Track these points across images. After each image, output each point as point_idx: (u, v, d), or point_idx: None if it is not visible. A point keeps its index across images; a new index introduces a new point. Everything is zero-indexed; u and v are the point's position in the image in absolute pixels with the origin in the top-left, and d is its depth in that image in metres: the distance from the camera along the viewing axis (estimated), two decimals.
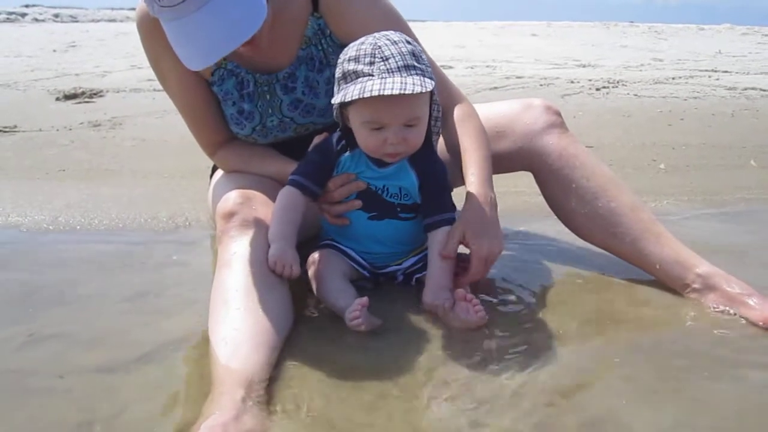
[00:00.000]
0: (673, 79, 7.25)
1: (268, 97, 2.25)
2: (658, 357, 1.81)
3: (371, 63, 1.83)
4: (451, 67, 8.20)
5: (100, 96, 6.07)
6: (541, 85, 6.72)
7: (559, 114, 2.35)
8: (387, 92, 1.77)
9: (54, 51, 10.59)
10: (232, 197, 2.06)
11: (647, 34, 15.49)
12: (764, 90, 6.52)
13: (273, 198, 2.10)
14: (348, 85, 1.87)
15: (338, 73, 1.92)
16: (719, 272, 2.09)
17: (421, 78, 1.84)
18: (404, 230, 2.10)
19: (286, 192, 2.01)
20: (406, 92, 1.78)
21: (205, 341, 1.78)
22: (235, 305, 1.80)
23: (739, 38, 14.66)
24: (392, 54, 1.83)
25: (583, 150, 2.32)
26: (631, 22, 18.94)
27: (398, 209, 2.06)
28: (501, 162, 2.37)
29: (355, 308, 1.84)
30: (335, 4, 2.19)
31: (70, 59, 9.37)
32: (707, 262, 2.13)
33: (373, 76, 1.82)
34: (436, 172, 2.05)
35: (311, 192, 2.03)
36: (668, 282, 2.17)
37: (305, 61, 2.23)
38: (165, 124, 4.96)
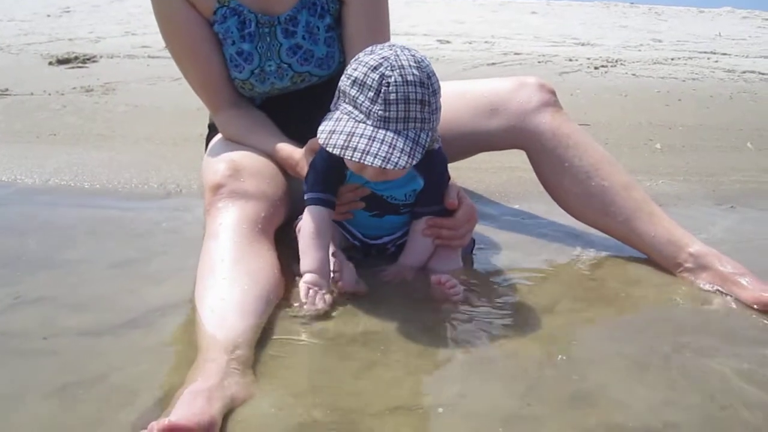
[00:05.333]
0: (672, 60, 7.21)
1: (268, 39, 2.24)
2: (649, 334, 1.81)
3: (373, 101, 1.73)
4: (449, 42, 8.14)
5: (94, 61, 6.00)
6: (539, 62, 6.67)
7: (553, 92, 2.33)
8: (368, 161, 1.70)
9: (48, 16, 10.46)
10: (221, 169, 2.05)
11: (647, 14, 15.39)
12: (763, 74, 6.48)
13: (263, 170, 2.12)
14: (342, 108, 1.80)
15: (342, 83, 1.82)
16: (712, 251, 2.09)
17: (413, 144, 1.75)
18: (403, 219, 2.08)
19: (315, 214, 1.92)
20: (387, 167, 1.71)
21: (192, 308, 1.77)
22: (221, 275, 1.79)
23: (740, 21, 14.58)
24: (397, 99, 1.72)
25: (577, 129, 2.30)
26: (632, 3, 18.81)
27: (401, 208, 2.04)
28: (493, 140, 2.36)
29: (335, 268, 1.87)
30: None
31: (64, 24, 9.26)
32: (700, 242, 2.13)
33: (367, 121, 1.74)
34: (441, 173, 2.01)
35: (333, 204, 1.97)
36: (661, 261, 2.17)
37: (308, 6, 2.23)
38: (158, 90, 4.91)
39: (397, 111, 1.73)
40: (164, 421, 1.27)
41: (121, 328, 1.74)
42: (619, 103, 4.96)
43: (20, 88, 4.80)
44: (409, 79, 1.73)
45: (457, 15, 12.77)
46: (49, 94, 4.67)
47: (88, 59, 6.03)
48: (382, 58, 1.74)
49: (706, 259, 2.07)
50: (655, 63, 6.90)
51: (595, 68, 6.36)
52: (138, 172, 3.08)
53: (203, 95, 2.36)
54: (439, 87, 1.82)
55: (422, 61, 1.78)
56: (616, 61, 6.83)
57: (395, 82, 1.72)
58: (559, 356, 1.65)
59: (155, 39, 6.41)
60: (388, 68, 1.72)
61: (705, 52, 8.01)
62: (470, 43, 8.20)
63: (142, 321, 1.78)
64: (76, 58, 6.02)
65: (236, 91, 2.33)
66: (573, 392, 1.52)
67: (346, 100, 1.80)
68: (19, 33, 7.94)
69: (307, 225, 1.93)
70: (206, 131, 2.59)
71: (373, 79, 1.73)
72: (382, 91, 1.72)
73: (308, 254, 1.90)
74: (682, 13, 16.67)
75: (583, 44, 8.60)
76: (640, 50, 8.12)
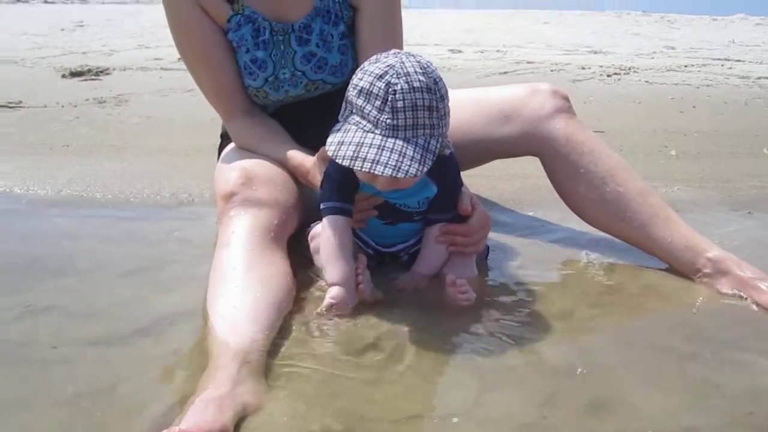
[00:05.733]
0: (686, 67, 7.16)
1: (282, 47, 2.24)
2: (668, 340, 1.78)
3: (380, 110, 1.71)
4: (460, 51, 8.13)
5: (107, 74, 6.02)
6: (551, 70, 6.64)
7: (566, 98, 2.31)
8: (378, 171, 1.67)
9: (62, 30, 10.52)
10: (233, 178, 2.05)
11: (659, 23, 15.32)
12: None
13: (275, 178, 2.11)
14: (350, 119, 1.78)
15: (348, 93, 1.80)
16: (730, 256, 2.06)
17: (423, 151, 1.72)
18: (416, 226, 2.06)
19: (335, 223, 1.90)
20: (398, 176, 1.68)
21: (203, 316, 1.77)
22: (233, 283, 1.78)
23: (753, 28, 14.47)
24: (405, 106, 1.70)
25: (591, 135, 2.28)
26: (644, 11, 18.76)
27: (414, 215, 2.02)
28: (507, 147, 2.34)
29: (357, 272, 1.85)
30: None
31: (78, 38, 9.31)
32: (718, 247, 2.10)
33: (375, 131, 1.72)
34: (454, 179, 1.99)
35: (351, 212, 1.94)
36: (679, 267, 2.14)
37: (322, 14, 2.23)
38: (171, 102, 4.92)
39: (405, 118, 1.71)
40: (175, 429, 1.26)
41: (131, 337, 1.73)
42: (633, 110, 4.92)
43: (33, 101, 4.82)
44: (415, 85, 1.71)
45: (467, 25, 12.77)
46: (62, 106, 4.68)
47: (101, 72, 6.05)
48: (388, 66, 1.72)
49: (725, 264, 2.04)
50: (668, 70, 6.86)
51: (608, 76, 6.33)
52: (150, 182, 3.07)
53: (216, 103, 2.36)
54: (446, 92, 1.79)
55: (428, 66, 1.76)
56: (629, 69, 6.79)
57: (402, 89, 1.70)
58: (579, 368, 1.62)
59: (168, 52, 6.44)
60: (394, 76, 1.70)
61: (719, 59, 7.96)
62: (482, 52, 8.19)
63: (152, 329, 1.77)
64: (89, 70, 6.03)
65: (249, 99, 2.33)
66: (590, 399, 1.49)
67: (354, 110, 1.78)
68: (33, 47, 7.99)
69: (327, 235, 1.90)
70: (219, 141, 2.58)
71: (380, 88, 1.71)
72: (389, 99, 1.70)
73: (333, 265, 1.87)
74: (694, 21, 16.60)
75: (595, 52, 8.57)
76: (653, 58, 8.08)
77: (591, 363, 1.64)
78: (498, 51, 8.32)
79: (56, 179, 3.07)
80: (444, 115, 1.79)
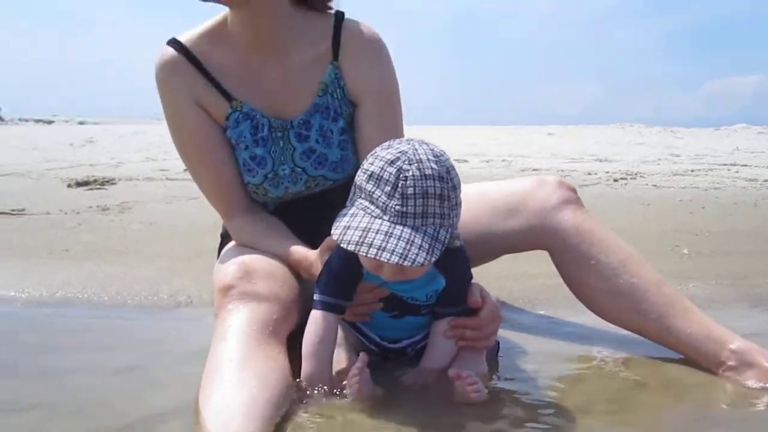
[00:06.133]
0: (692, 171, 7.22)
1: (281, 143, 2.20)
2: None
3: (390, 195, 1.66)
4: (466, 161, 8.20)
5: (112, 183, 6.06)
6: None
7: (573, 190, 2.26)
8: (384, 258, 1.62)
9: (71, 145, 10.72)
10: (231, 271, 1.97)
11: (663, 133, 15.62)
12: None
13: (275, 272, 2.03)
14: (358, 204, 1.73)
15: (358, 177, 1.76)
16: (755, 347, 1.95)
17: (432, 240, 1.66)
18: (424, 321, 1.96)
19: (322, 320, 1.83)
20: (405, 264, 1.62)
21: (196, 413, 1.64)
22: (228, 377, 1.68)
23: (756, 137, 14.71)
24: (415, 194, 1.64)
25: (600, 226, 2.21)
26: (647, 125, 19.13)
27: (422, 309, 1.92)
28: (515, 240, 2.27)
29: (354, 372, 1.72)
30: (354, 54, 2.19)
31: (87, 152, 9.46)
32: (741, 337, 1.99)
33: (384, 216, 1.67)
34: (464, 272, 1.91)
35: (344, 309, 1.87)
36: (700, 360, 2.02)
37: (321, 110, 2.19)
38: (174, 209, 4.92)
39: (415, 206, 1.65)
40: None
41: None
42: (642, 211, 4.91)
43: (37, 209, 4.82)
44: (427, 173, 1.65)
45: (472, 139, 12.96)
46: (65, 213, 4.68)
47: (106, 181, 6.09)
48: (400, 152, 1.67)
49: (750, 355, 1.93)
50: (674, 175, 6.90)
51: (615, 180, 6.36)
52: (149, 284, 3.01)
53: (216, 202, 2.31)
54: (458, 182, 1.74)
55: (441, 155, 1.71)
56: (636, 174, 6.83)
57: (413, 176, 1.64)
58: None
59: (174, 164, 6.50)
60: (406, 162, 1.65)
61: (724, 164, 8.02)
62: (487, 161, 8.27)
63: (141, 426, 1.64)
64: (95, 180, 6.08)
65: (249, 197, 2.28)
66: None
67: (362, 195, 1.72)
68: (41, 160, 8.09)
69: (311, 330, 1.83)
70: (218, 242, 2.52)
71: (390, 173, 1.65)
72: (400, 185, 1.64)
73: (308, 362, 1.81)
74: (696, 132, 16.89)
75: (600, 160, 8.65)
76: (658, 164, 8.14)
77: None
78: (503, 160, 8.40)
79: (52, 281, 3.01)
80: (455, 205, 1.73)
